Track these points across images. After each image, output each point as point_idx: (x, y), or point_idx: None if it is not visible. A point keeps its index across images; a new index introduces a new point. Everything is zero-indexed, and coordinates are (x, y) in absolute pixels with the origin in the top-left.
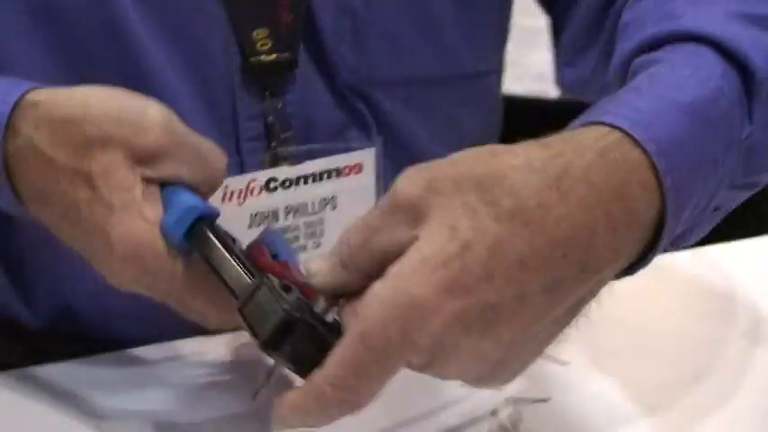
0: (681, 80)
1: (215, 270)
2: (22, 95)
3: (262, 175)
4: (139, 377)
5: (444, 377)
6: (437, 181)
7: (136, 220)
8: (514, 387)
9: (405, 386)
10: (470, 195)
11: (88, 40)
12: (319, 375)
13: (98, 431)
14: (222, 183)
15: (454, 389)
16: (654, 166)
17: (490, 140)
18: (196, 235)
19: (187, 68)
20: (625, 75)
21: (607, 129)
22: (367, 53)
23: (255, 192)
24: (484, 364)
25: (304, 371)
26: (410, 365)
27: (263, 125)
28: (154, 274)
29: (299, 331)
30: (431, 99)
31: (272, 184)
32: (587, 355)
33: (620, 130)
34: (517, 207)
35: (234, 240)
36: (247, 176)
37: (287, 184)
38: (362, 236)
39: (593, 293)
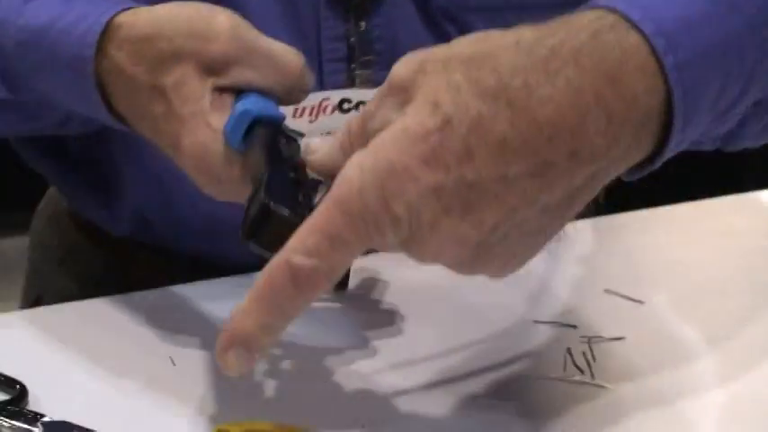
0: None
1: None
2: (111, 18)
3: (336, 95)
4: (206, 307)
5: (424, 260)
6: (427, 62)
7: (203, 129)
8: (589, 326)
9: (477, 327)
10: (456, 74)
11: None
12: (291, 244)
13: (169, 361)
14: (306, 85)
15: (528, 329)
16: (653, 49)
17: None
18: (250, 139)
19: None
20: None
21: (604, 11)
22: None
23: (328, 111)
24: (464, 247)
25: None
26: (387, 245)
27: (346, 47)
28: (219, 179)
29: (275, 221)
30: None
31: (345, 105)
32: (663, 294)
33: (617, 11)
34: (501, 85)
35: (296, 141)
36: (320, 94)
37: (360, 106)
38: (361, 121)
39: (590, 187)
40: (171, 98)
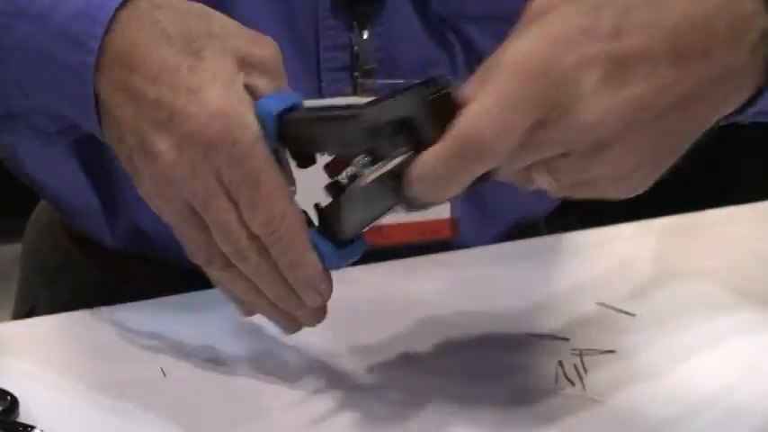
0: None
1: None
2: None
3: (338, 102)
4: (198, 318)
5: (574, 132)
6: None
7: (233, 93)
8: (581, 338)
9: (471, 342)
10: None
11: None
12: (467, 118)
13: (160, 372)
14: None
15: (520, 342)
16: None
17: None
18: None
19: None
20: None
21: None
22: None
23: None
24: (616, 120)
25: None
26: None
27: (348, 56)
28: (237, 138)
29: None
30: None
31: None
32: (654, 307)
33: None
34: None
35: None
36: (324, 102)
37: None
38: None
39: (710, 114)
40: (207, 56)
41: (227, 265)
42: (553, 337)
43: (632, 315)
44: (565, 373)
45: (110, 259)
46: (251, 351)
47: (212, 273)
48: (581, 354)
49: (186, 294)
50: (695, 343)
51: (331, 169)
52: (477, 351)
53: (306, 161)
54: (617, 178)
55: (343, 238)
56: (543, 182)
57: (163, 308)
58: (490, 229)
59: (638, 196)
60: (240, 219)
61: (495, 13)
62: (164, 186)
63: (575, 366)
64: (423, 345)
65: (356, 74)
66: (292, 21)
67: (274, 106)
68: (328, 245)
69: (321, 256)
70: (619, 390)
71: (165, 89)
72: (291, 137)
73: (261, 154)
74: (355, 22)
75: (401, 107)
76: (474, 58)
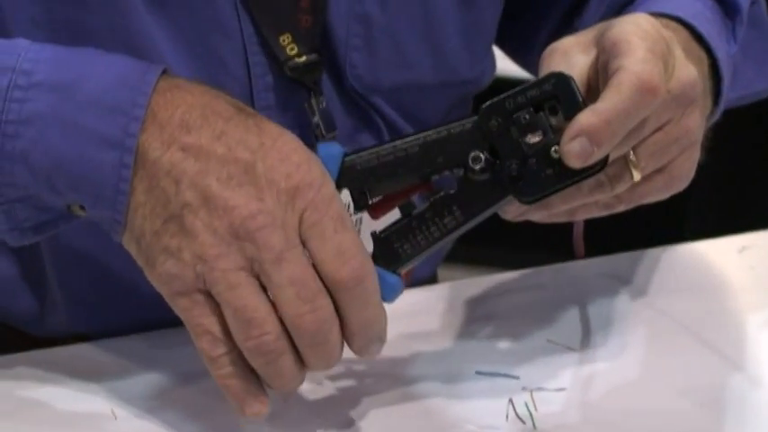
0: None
1: None
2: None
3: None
4: (148, 361)
5: (679, 83)
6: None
7: (300, 140)
8: (531, 376)
9: (419, 379)
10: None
11: None
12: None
13: (110, 411)
14: None
15: (470, 379)
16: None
17: None
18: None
19: (207, 84)
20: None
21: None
22: (375, 60)
23: None
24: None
25: None
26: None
27: (296, 132)
28: (324, 181)
29: None
30: (422, 104)
31: None
32: (604, 345)
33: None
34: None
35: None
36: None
37: None
38: None
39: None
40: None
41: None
42: (503, 375)
43: (582, 353)
44: (515, 411)
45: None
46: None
47: (222, 361)
48: (531, 391)
49: (138, 335)
50: (645, 380)
51: (376, 212)
52: (425, 389)
53: (361, 204)
54: (684, 161)
55: (399, 269)
56: (634, 171)
57: (111, 348)
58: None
59: (586, 234)
60: (316, 275)
61: (396, 85)
62: (225, 246)
63: (525, 404)
64: (371, 382)
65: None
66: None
67: (337, 149)
68: (394, 277)
69: (383, 293)
70: (569, 428)
71: (234, 143)
72: (357, 177)
73: (341, 199)
74: (311, 92)
75: (539, 87)
76: (393, 128)
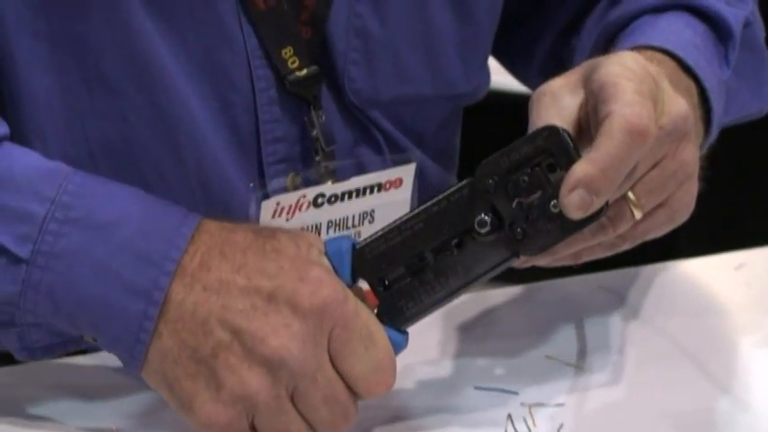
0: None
1: None
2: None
3: (311, 192)
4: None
5: (671, 117)
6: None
7: (315, 259)
8: (530, 392)
9: (418, 394)
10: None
11: (112, 73)
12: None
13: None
14: None
15: (469, 395)
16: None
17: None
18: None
19: (212, 98)
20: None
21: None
22: (374, 74)
23: (304, 207)
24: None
25: None
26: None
27: (287, 147)
28: (346, 296)
29: None
30: (418, 117)
31: (319, 200)
32: (603, 361)
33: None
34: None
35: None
36: (298, 193)
37: (332, 199)
38: None
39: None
40: (284, 242)
41: None
42: (502, 390)
43: (581, 369)
44: (514, 427)
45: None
46: None
47: None
48: (530, 407)
49: None
50: (643, 397)
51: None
52: (424, 404)
53: (381, 288)
54: (683, 195)
55: (404, 327)
56: (635, 210)
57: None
58: None
59: None
60: (345, 387)
61: (395, 99)
62: (261, 379)
63: (524, 419)
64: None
65: (318, 158)
66: (234, 121)
67: (345, 243)
68: (399, 336)
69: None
70: None
71: (254, 273)
72: (370, 265)
73: (364, 307)
74: (311, 106)
75: (532, 143)
76: (392, 141)
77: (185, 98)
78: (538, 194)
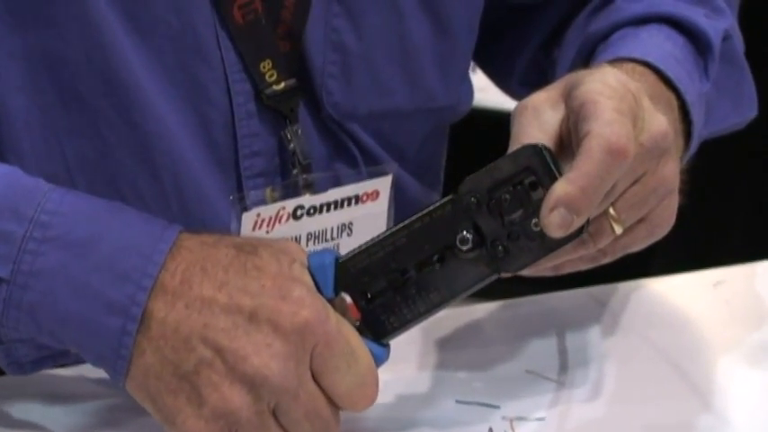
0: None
1: None
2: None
3: (291, 204)
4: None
5: (651, 135)
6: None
7: (298, 276)
8: (510, 406)
9: (400, 407)
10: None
11: (87, 90)
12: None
13: None
14: None
15: (450, 408)
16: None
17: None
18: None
19: (188, 113)
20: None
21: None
22: (352, 88)
23: (283, 219)
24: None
25: None
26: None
27: (264, 161)
28: (328, 314)
29: None
30: (399, 131)
31: (298, 212)
32: (583, 375)
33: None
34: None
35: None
36: (278, 205)
37: (311, 211)
38: None
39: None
40: (266, 260)
41: None
42: (483, 404)
43: (561, 383)
44: None
45: None
46: None
47: None
48: (511, 420)
49: None
50: (624, 411)
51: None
52: (405, 417)
53: (363, 303)
54: (663, 210)
55: (385, 341)
56: (615, 225)
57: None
58: None
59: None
60: (327, 402)
61: (373, 113)
62: (243, 396)
63: None
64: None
65: (295, 171)
66: (211, 137)
67: (328, 257)
68: (380, 349)
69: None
70: None
71: (235, 291)
72: (353, 279)
73: (346, 323)
74: (287, 120)
75: (514, 161)
76: (369, 155)
77: (162, 114)
78: (519, 212)
